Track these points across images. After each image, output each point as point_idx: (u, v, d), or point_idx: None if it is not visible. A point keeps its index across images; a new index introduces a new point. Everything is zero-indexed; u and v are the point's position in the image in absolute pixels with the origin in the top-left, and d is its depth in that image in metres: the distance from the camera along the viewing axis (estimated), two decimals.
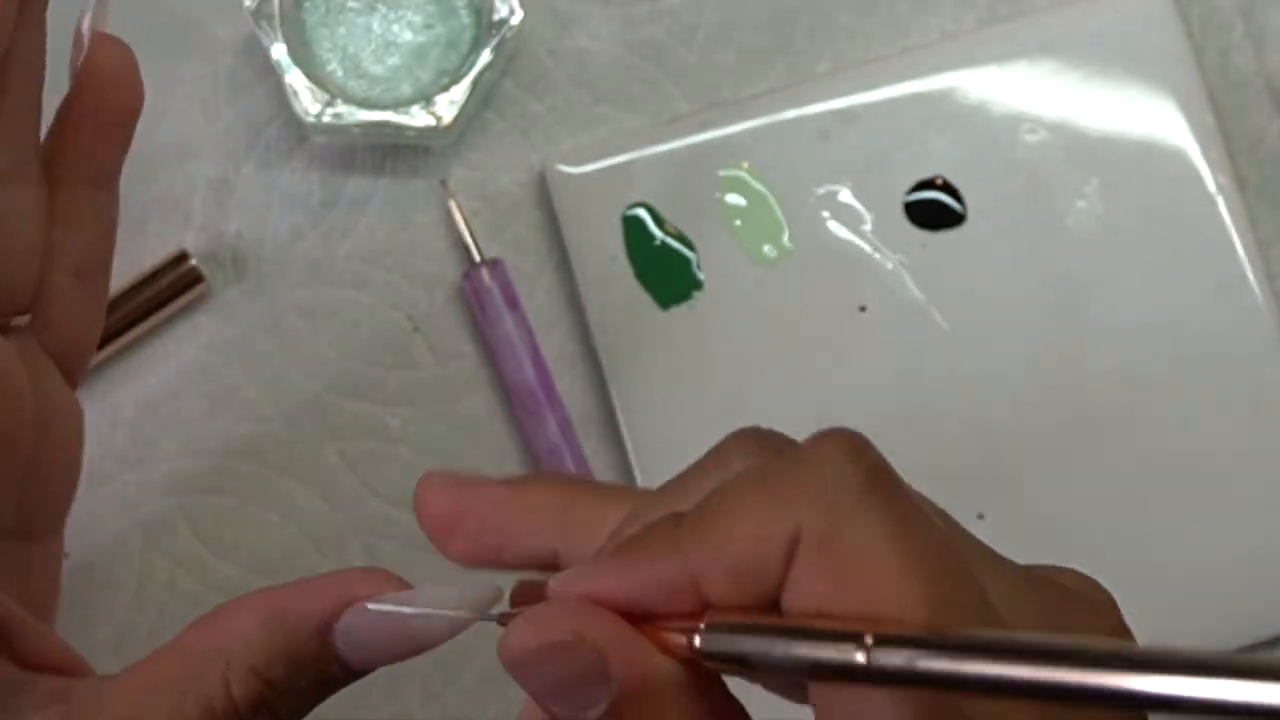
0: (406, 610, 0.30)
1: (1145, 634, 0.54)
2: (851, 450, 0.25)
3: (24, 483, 0.35)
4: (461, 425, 0.53)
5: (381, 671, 0.50)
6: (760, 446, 0.28)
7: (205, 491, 0.52)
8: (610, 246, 0.52)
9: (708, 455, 0.28)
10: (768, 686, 0.27)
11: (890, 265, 0.52)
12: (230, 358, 0.53)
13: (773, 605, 0.25)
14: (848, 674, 0.23)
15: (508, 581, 0.31)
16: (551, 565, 0.30)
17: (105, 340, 0.52)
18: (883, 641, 0.23)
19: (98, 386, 0.52)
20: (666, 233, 0.52)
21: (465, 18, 0.53)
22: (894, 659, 0.23)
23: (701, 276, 0.52)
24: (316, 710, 0.54)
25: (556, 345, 0.53)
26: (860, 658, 0.23)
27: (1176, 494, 0.52)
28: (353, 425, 0.53)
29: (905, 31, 0.54)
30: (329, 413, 0.53)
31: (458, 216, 0.53)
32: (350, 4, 0.53)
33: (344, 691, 0.55)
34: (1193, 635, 0.50)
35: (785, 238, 0.52)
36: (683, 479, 0.28)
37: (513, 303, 0.52)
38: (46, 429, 0.36)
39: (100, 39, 0.36)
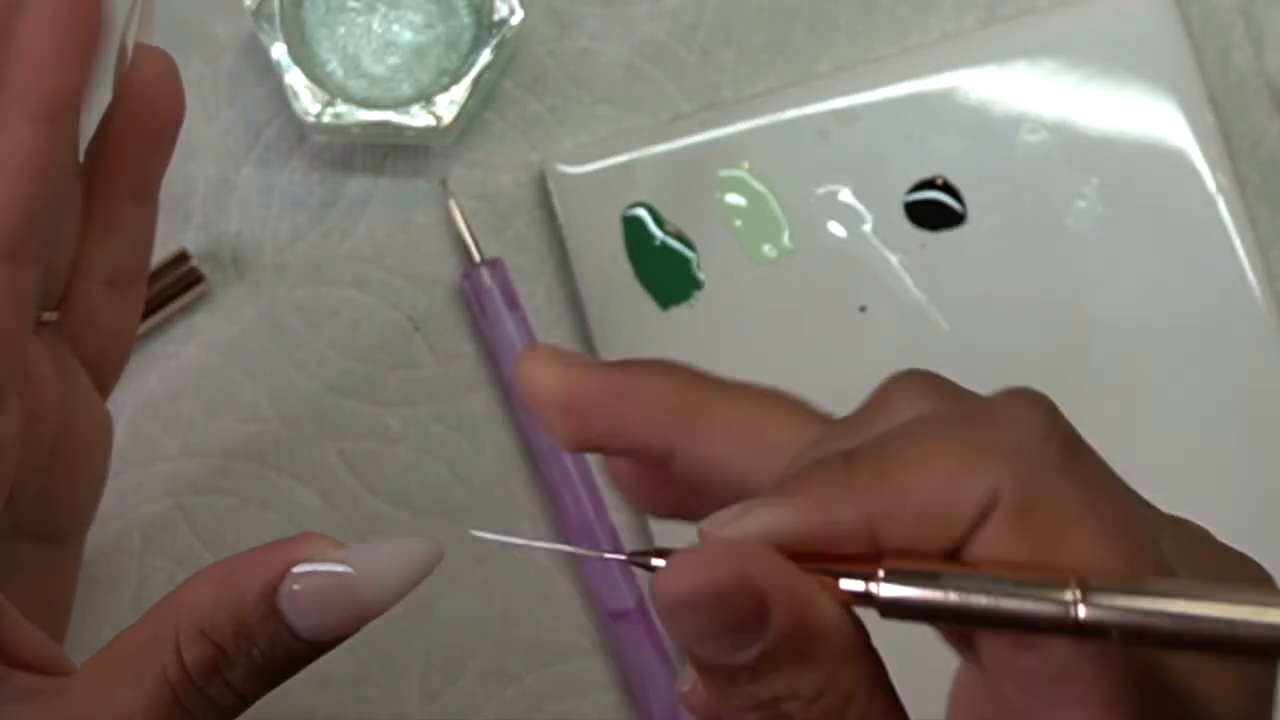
0: (339, 569, 0.29)
1: None
2: (1047, 417, 0.25)
3: (46, 484, 0.35)
4: (461, 425, 0.53)
5: (382, 671, 0.50)
6: (934, 393, 0.27)
7: (205, 491, 0.52)
8: (610, 246, 0.52)
9: (870, 399, 0.27)
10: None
11: (890, 265, 0.52)
12: (230, 358, 0.53)
13: (948, 559, 0.24)
14: (1055, 627, 0.23)
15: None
16: (666, 460, 0.29)
17: None
18: (1093, 590, 0.22)
19: None
20: (666, 233, 0.52)
21: (465, 18, 0.53)
22: (1107, 610, 0.22)
23: (701, 276, 0.52)
24: (314, 712, 0.55)
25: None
26: (1073, 609, 0.22)
27: (1176, 494, 0.51)
28: (353, 425, 0.53)
29: (905, 31, 0.54)
30: (329, 413, 0.53)
31: (458, 216, 0.53)
32: (350, 4, 0.53)
33: (344, 691, 0.55)
34: None
35: (785, 238, 0.52)
36: (845, 422, 0.27)
37: (513, 303, 0.52)
38: (72, 432, 0.36)
39: (144, 50, 0.36)
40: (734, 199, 0.53)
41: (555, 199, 0.52)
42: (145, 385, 0.52)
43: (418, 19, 0.53)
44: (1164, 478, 0.52)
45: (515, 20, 0.52)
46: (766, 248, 0.52)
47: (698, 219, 0.52)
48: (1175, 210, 0.52)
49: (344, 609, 0.30)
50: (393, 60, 0.53)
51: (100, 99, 0.35)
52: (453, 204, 0.53)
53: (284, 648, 0.30)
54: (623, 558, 0.28)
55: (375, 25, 0.53)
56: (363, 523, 0.52)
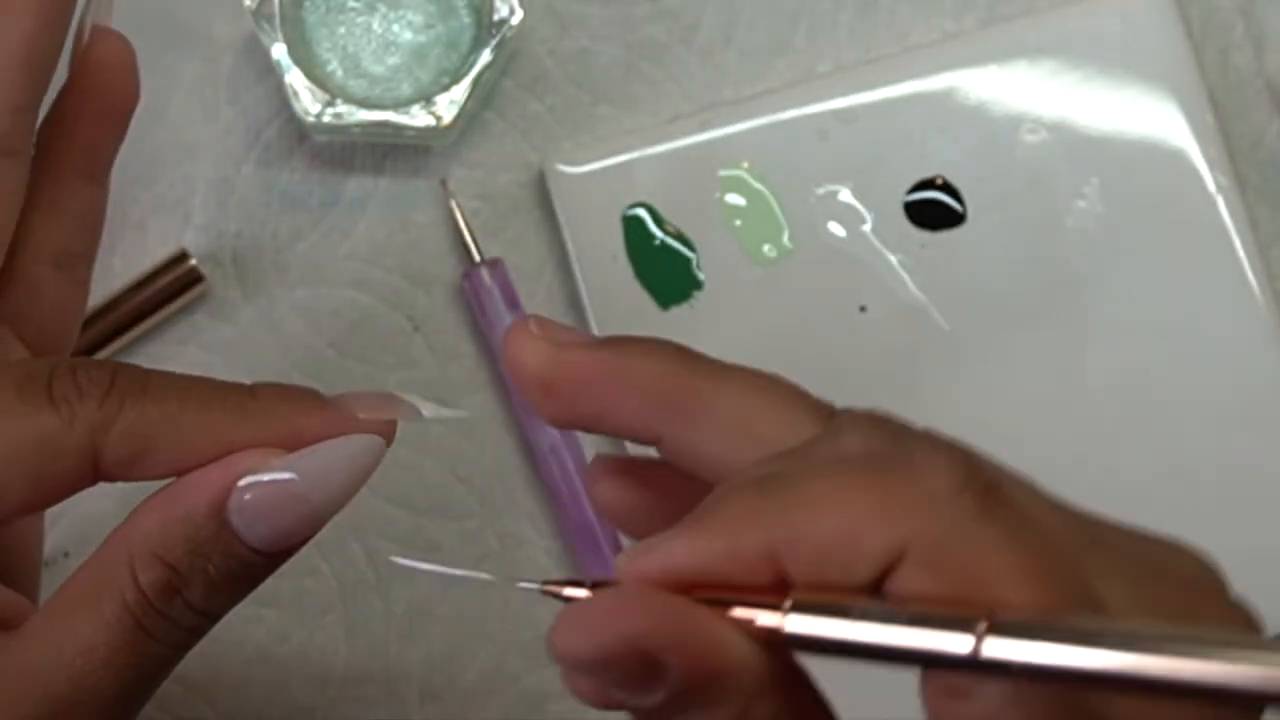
0: (284, 476, 0.30)
1: None
2: (964, 466, 0.25)
3: None
4: (461, 425, 0.53)
5: (382, 671, 0.50)
6: (877, 431, 0.27)
7: None
8: (610, 246, 0.52)
9: (821, 433, 0.27)
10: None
11: (890, 265, 0.52)
12: (230, 358, 0.53)
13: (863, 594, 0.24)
14: (961, 665, 0.22)
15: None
16: (654, 444, 0.29)
17: (105, 340, 0.52)
18: (1000, 629, 0.22)
19: None
20: (666, 233, 0.52)
21: (465, 18, 0.53)
22: (1014, 649, 0.21)
23: (701, 276, 0.52)
24: (314, 712, 0.54)
25: None
26: (975, 646, 0.22)
27: (1176, 494, 0.52)
28: None
29: (905, 31, 0.54)
30: None
31: (458, 216, 0.53)
32: (350, 4, 0.53)
33: (344, 691, 0.55)
34: None
35: (785, 238, 0.52)
36: (794, 451, 0.27)
37: (513, 303, 0.52)
38: None
39: (100, 32, 0.36)
40: (734, 199, 0.53)
41: (555, 199, 0.52)
42: None
43: (418, 19, 0.53)
44: (1164, 478, 0.52)
45: (515, 20, 0.52)
46: (766, 248, 0.52)
47: (698, 219, 0.52)
48: (1175, 210, 0.52)
49: (294, 515, 0.30)
50: (393, 60, 0.53)
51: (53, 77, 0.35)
52: (453, 204, 0.53)
53: (238, 560, 0.30)
54: (536, 586, 0.28)
55: (375, 25, 0.53)
56: (363, 523, 0.52)
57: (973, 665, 0.22)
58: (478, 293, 0.52)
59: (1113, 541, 0.27)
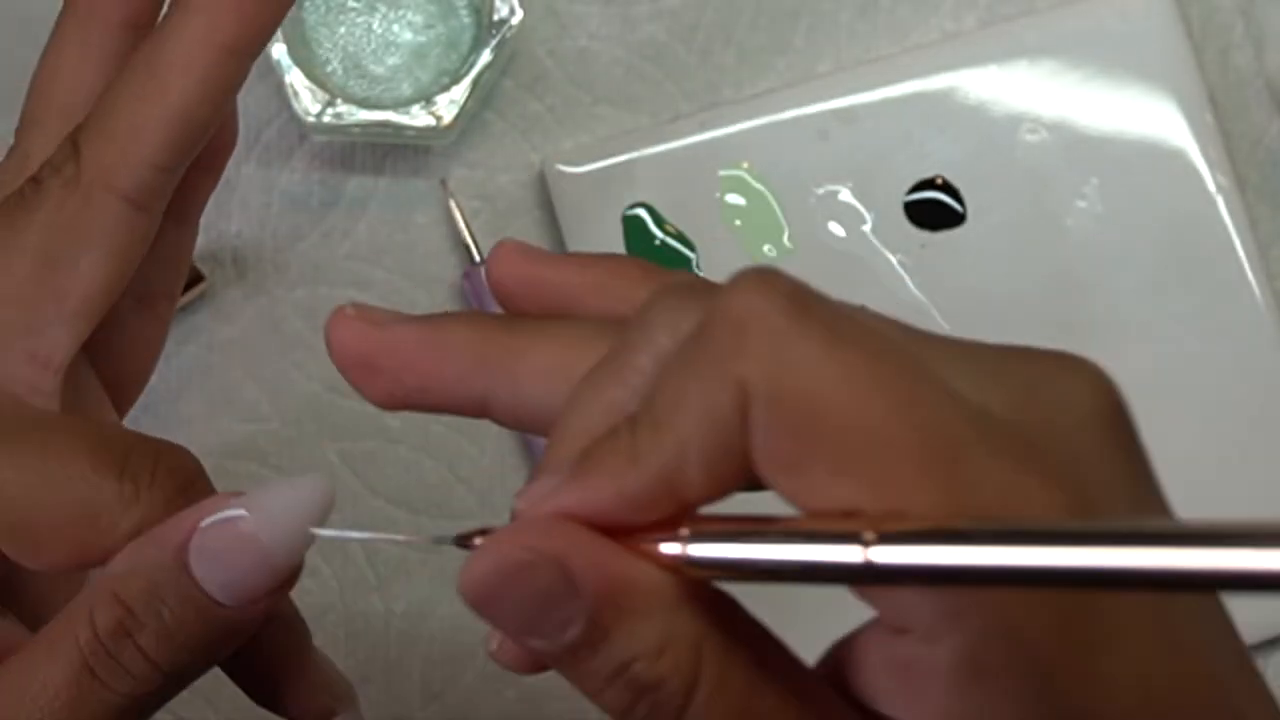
0: (233, 514, 0.29)
1: None
2: (766, 288, 0.25)
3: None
4: (461, 425, 0.53)
5: (382, 671, 0.50)
6: (682, 307, 0.26)
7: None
8: (610, 246, 0.52)
9: (632, 327, 0.26)
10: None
11: (890, 265, 0.52)
12: (230, 358, 0.53)
13: (759, 520, 0.24)
14: (850, 577, 0.22)
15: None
16: (483, 410, 0.28)
17: None
18: (886, 539, 0.22)
19: None
20: (666, 233, 0.52)
21: (465, 18, 0.53)
22: (896, 557, 0.21)
23: (701, 276, 0.52)
24: None
25: None
26: (861, 558, 0.22)
27: (1176, 494, 0.52)
28: (353, 425, 0.52)
29: (905, 31, 0.54)
30: (329, 413, 0.53)
31: (458, 216, 0.53)
32: (350, 4, 0.53)
33: None
34: None
35: (785, 238, 0.52)
36: (614, 359, 0.26)
37: None
38: None
39: None
40: (734, 199, 0.53)
41: (555, 199, 0.52)
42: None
43: (418, 19, 0.53)
44: (1164, 477, 0.52)
45: (515, 20, 0.52)
46: (766, 248, 0.52)
47: (698, 219, 0.52)
48: (1175, 210, 0.52)
49: (248, 558, 0.29)
50: (393, 60, 0.53)
51: None
52: (453, 204, 0.53)
53: (195, 609, 0.29)
54: (450, 541, 0.27)
55: (375, 25, 0.53)
56: (363, 523, 0.52)
57: (870, 575, 0.22)
58: (478, 293, 0.52)
59: (952, 340, 0.27)
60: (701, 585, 0.25)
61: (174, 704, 0.31)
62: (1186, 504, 0.54)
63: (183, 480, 0.31)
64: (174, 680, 0.30)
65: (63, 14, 0.35)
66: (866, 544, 0.22)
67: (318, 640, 0.41)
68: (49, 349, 0.33)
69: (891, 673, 0.24)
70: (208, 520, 0.29)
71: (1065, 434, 0.25)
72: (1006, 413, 0.24)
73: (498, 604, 0.25)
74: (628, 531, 0.24)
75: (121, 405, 0.37)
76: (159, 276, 0.37)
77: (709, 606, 0.25)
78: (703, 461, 0.24)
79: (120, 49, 0.35)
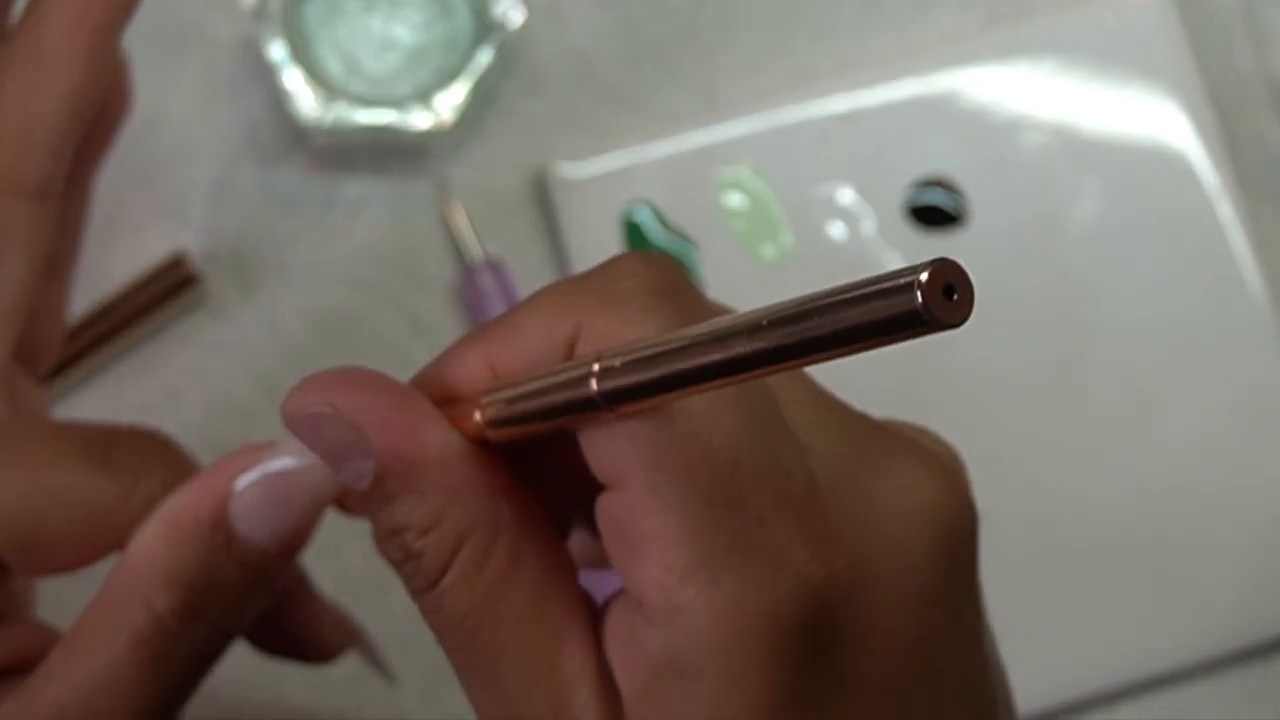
0: (274, 466, 0.30)
1: (1145, 632, 0.54)
2: (648, 263, 0.27)
3: None
4: None
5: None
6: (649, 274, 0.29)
7: None
8: (610, 247, 0.52)
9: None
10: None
11: (890, 265, 0.52)
12: (230, 358, 0.53)
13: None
14: (584, 406, 0.24)
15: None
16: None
17: (105, 340, 0.52)
18: (607, 372, 0.24)
19: (97, 387, 0.52)
20: (667, 233, 0.52)
21: (465, 18, 0.53)
22: (613, 379, 0.24)
23: (702, 276, 0.52)
24: (314, 712, 0.54)
25: None
26: (591, 386, 0.24)
27: (1176, 494, 0.52)
28: None
29: (906, 31, 0.54)
30: None
31: (458, 216, 0.53)
32: (350, 4, 0.53)
33: (344, 692, 0.55)
34: (1193, 635, 0.50)
35: (786, 238, 0.52)
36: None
37: (513, 302, 0.52)
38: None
39: None
40: (734, 199, 0.53)
41: (555, 199, 0.52)
42: (144, 386, 0.52)
43: (417, 19, 0.53)
44: (1164, 477, 0.52)
45: (515, 20, 0.52)
46: (767, 248, 0.52)
47: (698, 219, 0.52)
48: (1175, 210, 0.52)
49: (296, 503, 0.30)
50: (393, 60, 0.53)
51: None
52: (453, 204, 0.53)
53: (254, 567, 0.30)
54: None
55: (375, 25, 0.53)
56: (363, 524, 0.52)
57: (602, 401, 0.24)
58: (478, 293, 0.52)
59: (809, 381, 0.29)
60: (500, 476, 0.27)
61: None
62: (1186, 503, 0.55)
63: (171, 460, 0.32)
64: (236, 634, 0.31)
65: None
66: (594, 374, 0.24)
67: None
68: None
69: (610, 529, 0.27)
70: (245, 480, 0.30)
71: (881, 521, 0.27)
72: (824, 469, 0.27)
73: (306, 437, 0.28)
74: (455, 403, 0.28)
75: (37, 373, 0.37)
76: (61, 244, 0.37)
77: (493, 505, 0.27)
78: (525, 360, 0.27)
79: None
